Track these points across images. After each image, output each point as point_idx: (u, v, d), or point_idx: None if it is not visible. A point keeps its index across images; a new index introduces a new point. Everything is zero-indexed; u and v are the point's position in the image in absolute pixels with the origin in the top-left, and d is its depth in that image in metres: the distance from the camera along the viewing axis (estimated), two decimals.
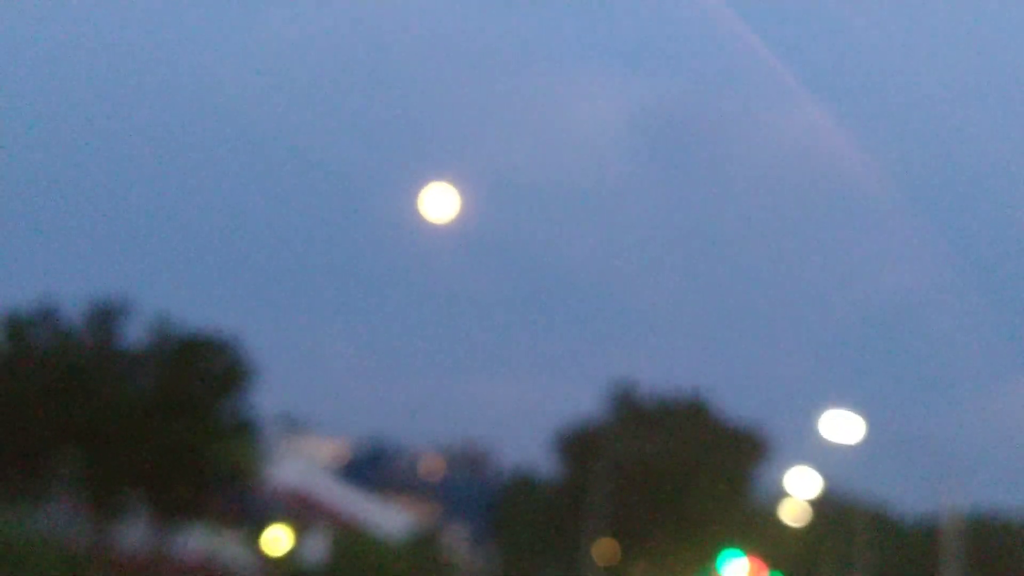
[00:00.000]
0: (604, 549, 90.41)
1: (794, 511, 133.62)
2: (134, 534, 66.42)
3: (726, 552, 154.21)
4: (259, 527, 75.74)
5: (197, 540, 74.79)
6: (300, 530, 78.12)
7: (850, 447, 44.24)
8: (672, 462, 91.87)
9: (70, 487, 64.18)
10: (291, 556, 71.86)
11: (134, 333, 64.32)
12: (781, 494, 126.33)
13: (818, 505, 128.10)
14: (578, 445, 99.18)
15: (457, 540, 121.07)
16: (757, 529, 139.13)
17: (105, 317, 63.82)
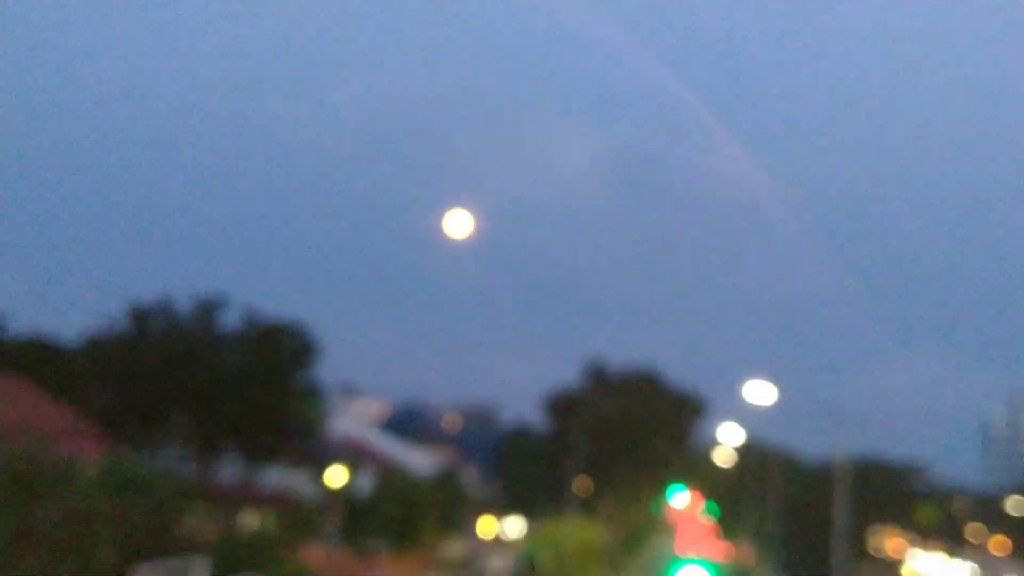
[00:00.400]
0: (581, 485, 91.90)
1: (724, 456, 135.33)
2: (229, 472, 67.68)
3: (673, 486, 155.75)
4: (322, 467, 76.68)
5: (275, 477, 76.14)
6: (353, 469, 79.12)
7: (766, 408, 45.20)
8: (631, 419, 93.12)
9: (181, 437, 65.46)
10: (346, 489, 72.74)
11: (229, 321, 65.40)
12: (714, 443, 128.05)
13: (742, 451, 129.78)
14: (561, 406, 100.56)
15: (470, 477, 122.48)
16: (696, 469, 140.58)
17: (207, 308, 64.84)
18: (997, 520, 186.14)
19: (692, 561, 25.71)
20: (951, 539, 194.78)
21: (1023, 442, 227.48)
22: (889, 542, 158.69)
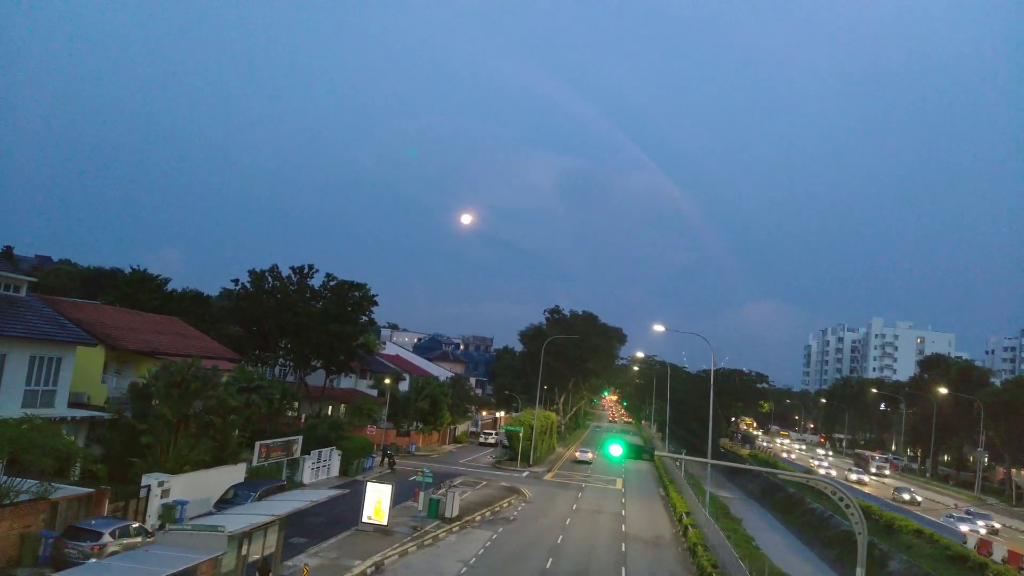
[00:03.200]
0: (545, 388, 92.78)
1: (635, 370, 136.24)
2: (316, 379, 68.08)
3: (604, 390, 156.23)
4: (377, 376, 77.31)
5: (346, 383, 76.56)
6: (397, 378, 79.83)
7: (662, 336, 45.98)
8: (578, 345, 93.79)
9: (285, 356, 65.71)
10: (392, 390, 73.28)
11: (316, 280, 65.53)
12: (630, 361, 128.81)
13: (644, 363, 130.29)
14: (531, 335, 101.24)
15: (472, 383, 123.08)
16: (617, 378, 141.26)
17: (302, 272, 64.95)
18: (811, 409, 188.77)
19: (614, 439, 26.26)
20: (782, 423, 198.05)
21: (828, 360, 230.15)
22: (743, 424, 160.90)
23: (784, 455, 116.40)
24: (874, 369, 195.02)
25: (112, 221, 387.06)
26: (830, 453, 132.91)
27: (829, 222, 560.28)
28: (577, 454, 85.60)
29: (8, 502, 22.80)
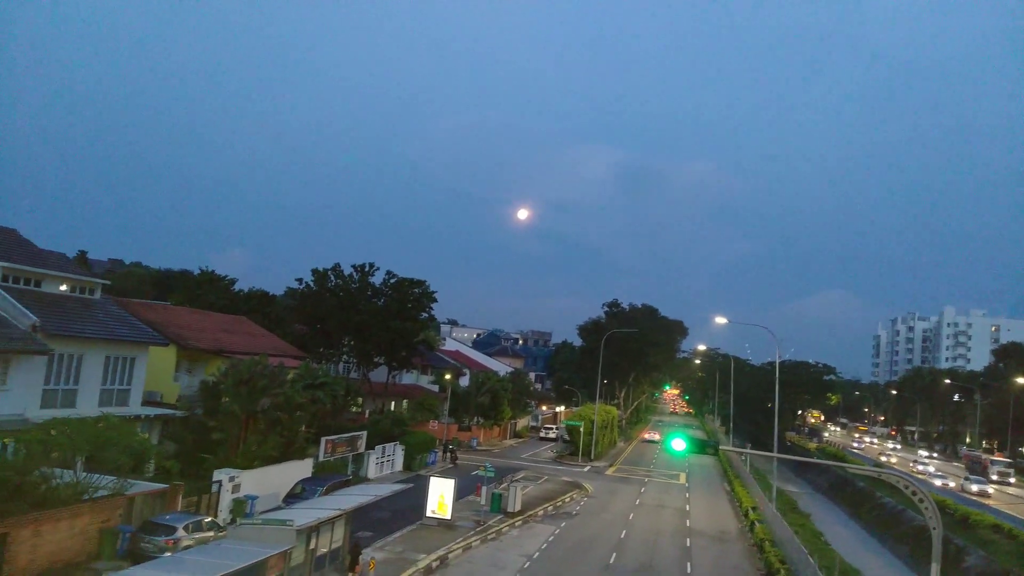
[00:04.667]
0: (604, 382, 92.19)
1: (696, 363, 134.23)
2: (378, 375, 68.90)
3: (665, 384, 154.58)
4: (438, 372, 77.92)
5: (408, 378, 77.31)
6: (457, 373, 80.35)
7: (724, 328, 45.31)
8: (638, 338, 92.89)
9: (348, 353, 66.65)
10: (453, 385, 73.74)
11: (377, 278, 66.15)
12: (692, 354, 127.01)
13: (706, 356, 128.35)
14: (590, 330, 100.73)
15: (531, 376, 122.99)
16: (678, 371, 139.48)
17: (364, 270, 65.68)
18: (880, 401, 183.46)
19: (676, 434, 25.93)
20: (850, 416, 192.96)
21: (898, 350, 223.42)
22: (810, 418, 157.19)
23: (880, 457, 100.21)
24: (947, 359, 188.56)
25: (180, 224, 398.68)
26: (934, 454, 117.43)
27: (898, 208, 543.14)
28: (646, 436, 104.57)
29: (87, 498, 23.63)
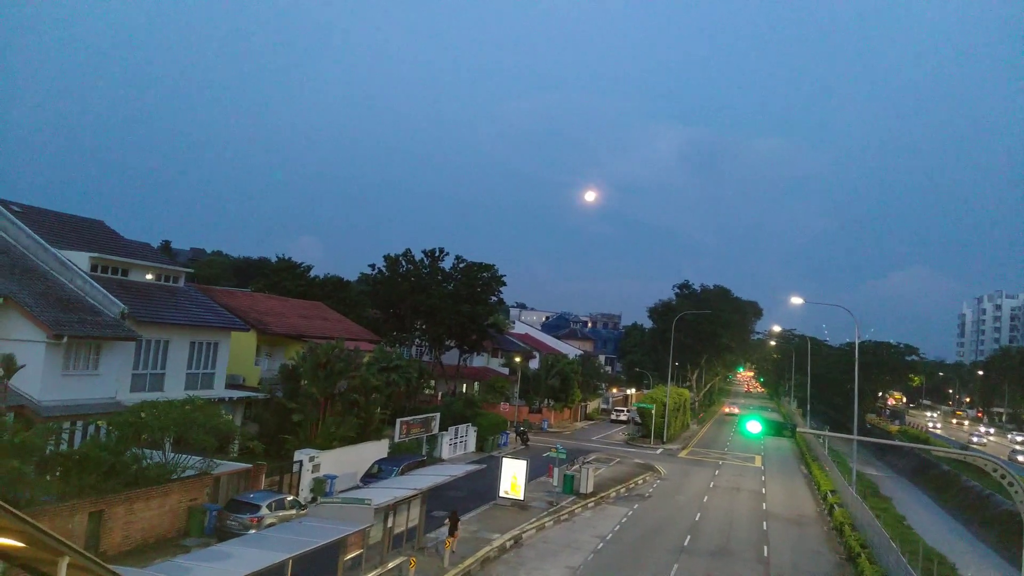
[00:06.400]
0: (676, 364, 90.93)
1: (771, 344, 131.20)
2: (450, 358, 69.61)
3: (738, 366, 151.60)
4: (508, 354, 78.11)
5: (479, 361, 77.80)
6: (527, 356, 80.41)
7: (800, 309, 44.04)
8: (710, 320, 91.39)
9: (421, 337, 67.47)
10: (523, 367, 73.87)
11: (448, 263, 66.69)
12: (766, 335, 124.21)
13: (782, 337, 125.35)
14: (660, 312, 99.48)
15: (601, 359, 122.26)
16: (753, 353, 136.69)
17: (434, 255, 66.30)
18: (966, 382, 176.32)
19: (752, 416, 25.41)
20: (934, 397, 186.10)
21: (985, 329, 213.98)
22: (891, 399, 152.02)
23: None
24: None
25: (258, 213, 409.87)
26: None
27: (982, 180, 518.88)
28: (726, 409, 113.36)
29: (176, 477, 24.60)
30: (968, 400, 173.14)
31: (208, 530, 24.45)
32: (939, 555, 32.72)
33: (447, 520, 27.29)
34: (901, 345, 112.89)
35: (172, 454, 25.27)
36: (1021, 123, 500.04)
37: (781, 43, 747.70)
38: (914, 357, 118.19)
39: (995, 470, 18.37)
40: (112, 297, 30.12)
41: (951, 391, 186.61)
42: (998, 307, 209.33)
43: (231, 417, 33.10)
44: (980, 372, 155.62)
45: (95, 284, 30.40)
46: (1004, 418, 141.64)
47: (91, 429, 26.76)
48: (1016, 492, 17.56)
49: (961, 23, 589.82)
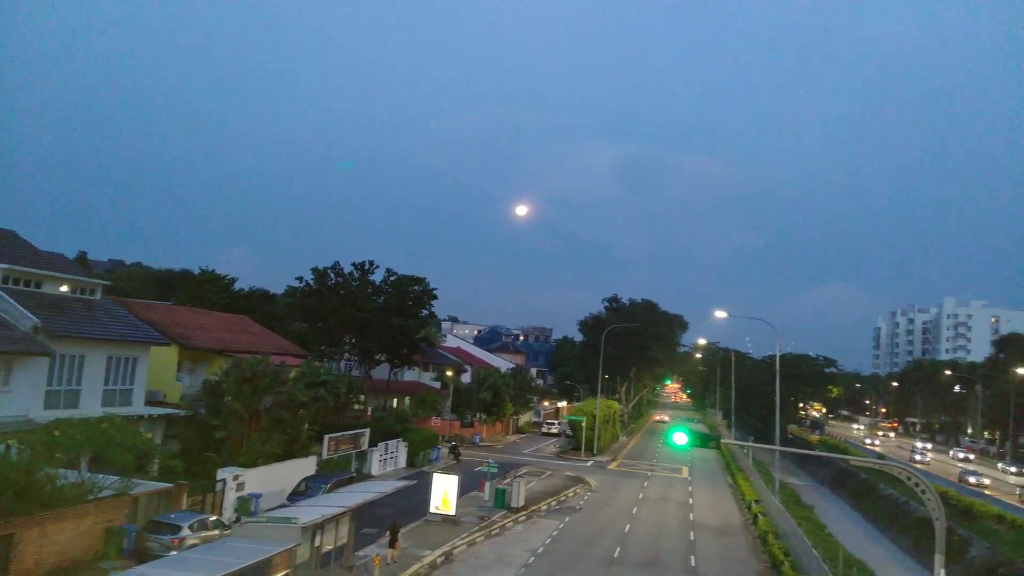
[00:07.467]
0: (606, 377, 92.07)
1: (697, 357, 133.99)
2: (380, 373, 68.80)
3: (666, 378, 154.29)
4: (439, 368, 77.78)
5: (410, 375, 77.14)
6: (459, 370, 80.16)
7: (725, 322, 45.21)
8: (639, 333, 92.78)
9: (349, 351, 66.51)
10: (454, 382, 73.66)
11: (377, 276, 65.91)
12: (692, 348, 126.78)
13: (707, 350, 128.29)
14: (590, 325, 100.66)
15: (533, 372, 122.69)
16: (679, 365, 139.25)
17: (364, 268, 65.48)
18: (881, 393, 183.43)
19: (679, 428, 25.89)
20: (851, 408, 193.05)
21: (899, 342, 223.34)
22: (811, 410, 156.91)
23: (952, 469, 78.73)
24: (947, 351, 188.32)
25: (180, 224, 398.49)
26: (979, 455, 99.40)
27: (896, 200, 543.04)
28: (657, 417, 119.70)
29: (92, 497, 23.62)
30: (884, 410, 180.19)
31: (127, 552, 23.53)
32: (859, 561, 33.93)
33: (388, 532, 27.39)
34: (820, 357, 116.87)
35: (88, 474, 24.28)
36: (936, 146, 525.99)
37: (715, 67, 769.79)
38: (832, 369, 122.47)
39: (909, 478, 19.14)
40: (24, 311, 28.86)
41: (868, 402, 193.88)
42: (911, 321, 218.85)
43: (151, 435, 32.04)
44: (895, 383, 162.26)
45: (6, 297, 29.09)
46: (918, 427, 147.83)
47: (1, 448, 25.51)
48: (928, 499, 18.35)
49: (876, 54, 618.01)
